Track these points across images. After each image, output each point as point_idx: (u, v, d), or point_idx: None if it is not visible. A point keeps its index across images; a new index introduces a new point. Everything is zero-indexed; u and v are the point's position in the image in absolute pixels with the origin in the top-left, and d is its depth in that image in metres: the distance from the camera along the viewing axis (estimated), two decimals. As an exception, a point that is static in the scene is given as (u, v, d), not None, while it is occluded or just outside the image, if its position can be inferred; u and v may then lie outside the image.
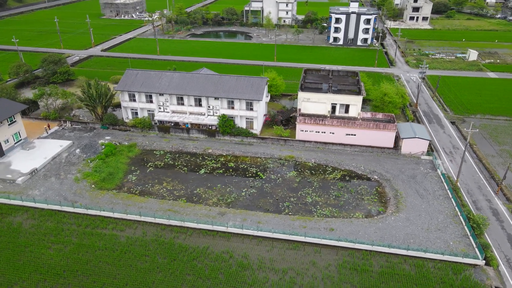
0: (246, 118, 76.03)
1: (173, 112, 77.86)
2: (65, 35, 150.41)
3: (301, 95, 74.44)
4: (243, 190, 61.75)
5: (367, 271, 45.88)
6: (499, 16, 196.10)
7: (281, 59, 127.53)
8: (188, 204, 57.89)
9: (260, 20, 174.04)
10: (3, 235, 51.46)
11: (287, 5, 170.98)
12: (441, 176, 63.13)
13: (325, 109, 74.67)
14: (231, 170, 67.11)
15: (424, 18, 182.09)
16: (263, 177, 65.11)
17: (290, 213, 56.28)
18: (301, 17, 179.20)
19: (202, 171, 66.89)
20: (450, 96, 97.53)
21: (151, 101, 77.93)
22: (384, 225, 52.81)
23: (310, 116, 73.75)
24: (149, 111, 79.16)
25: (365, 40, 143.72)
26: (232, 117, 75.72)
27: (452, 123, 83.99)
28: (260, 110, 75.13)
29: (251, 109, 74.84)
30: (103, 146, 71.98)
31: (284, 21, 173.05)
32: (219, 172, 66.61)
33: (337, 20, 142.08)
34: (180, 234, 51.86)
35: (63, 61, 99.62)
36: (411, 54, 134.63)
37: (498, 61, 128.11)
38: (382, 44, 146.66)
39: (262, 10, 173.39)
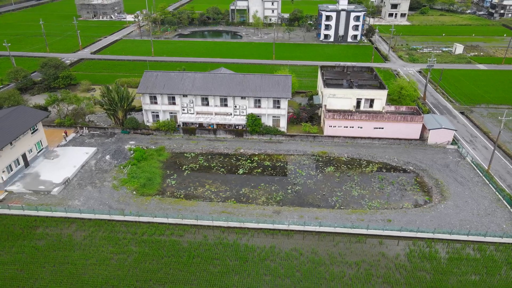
0: (273, 117, 76.10)
1: (198, 113, 76.53)
2: (42, 38, 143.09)
3: (327, 91, 75.48)
4: (288, 188, 61.94)
5: (436, 258, 47.56)
6: (469, 11, 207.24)
7: (278, 57, 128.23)
8: (240, 205, 57.31)
9: (247, 19, 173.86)
10: (56, 249, 48.72)
11: (272, 3, 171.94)
12: (472, 164, 66.32)
13: (350, 104, 76.16)
14: (269, 168, 67.04)
15: (402, 15, 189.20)
16: (303, 174, 65.57)
17: (342, 207, 57.16)
18: (286, 15, 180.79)
19: (241, 171, 66.33)
20: (451, 88, 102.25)
21: (174, 103, 76.16)
22: (436, 213, 54.86)
23: (336, 111, 74.94)
24: (171, 113, 77.31)
25: (355, 36, 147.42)
26: (259, 116, 75.50)
27: (462, 113, 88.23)
28: (286, 108, 75.42)
29: (278, 107, 75.00)
30: (131, 152, 69.61)
31: (270, 19, 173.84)
32: (257, 171, 66.34)
33: (328, 18, 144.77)
34: (242, 235, 51.29)
35: (64, 65, 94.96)
36: (400, 49, 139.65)
37: (481, 53, 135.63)
38: (370, 40, 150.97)
39: (248, 9, 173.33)
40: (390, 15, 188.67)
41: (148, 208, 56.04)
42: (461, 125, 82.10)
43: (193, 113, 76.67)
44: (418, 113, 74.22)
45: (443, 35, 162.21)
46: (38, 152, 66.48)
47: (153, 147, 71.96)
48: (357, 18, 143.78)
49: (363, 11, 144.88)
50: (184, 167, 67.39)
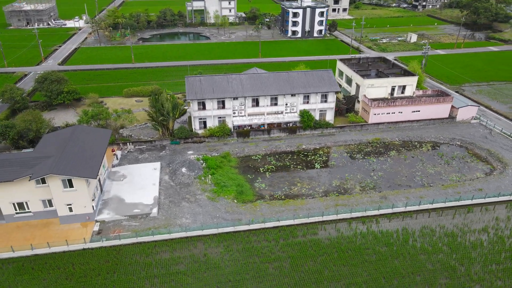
0: (320, 111, 78.26)
1: (250, 114, 75.20)
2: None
3: (366, 82, 79.99)
4: (371, 174, 65.10)
5: (537, 213, 55.19)
6: (394, 5, 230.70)
7: (255, 55, 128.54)
8: (346, 196, 58.82)
9: (206, 19, 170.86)
10: (204, 270, 45.20)
11: (229, 3, 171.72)
12: (503, 133, 76.69)
13: (385, 92, 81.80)
14: (342, 159, 69.34)
15: (344, 10, 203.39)
16: (374, 160, 69.27)
17: (431, 185, 62.18)
18: (241, 13, 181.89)
19: (317, 166, 67.49)
20: (433, 72, 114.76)
21: (224, 107, 73.73)
22: (510, 178, 62.91)
23: (377, 100, 79.97)
24: (220, 117, 74.67)
25: (320, 31, 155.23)
26: (309, 112, 76.96)
27: (456, 92, 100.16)
28: (334, 101, 78.10)
29: (325, 101, 77.40)
30: (201, 161, 66.02)
31: (229, 18, 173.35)
32: (332, 164, 68.22)
33: (295, 15, 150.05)
34: (371, 223, 53.13)
35: (66, 79, 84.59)
36: (363, 40, 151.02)
37: (430, 40, 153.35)
38: (332, 34, 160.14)
39: (205, 9, 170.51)
40: (334, 10, 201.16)
41: (265, 214, 54.54)
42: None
43: (244, 115, 75.14)
44: (445, 94, 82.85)
45: (388, 26, 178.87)
46: (104, 175, 59.54)
47: (216, 154, 69.13)
48: (321, 14, 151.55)
49: (326, 7, 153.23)
50: (261, 169, 66.25)
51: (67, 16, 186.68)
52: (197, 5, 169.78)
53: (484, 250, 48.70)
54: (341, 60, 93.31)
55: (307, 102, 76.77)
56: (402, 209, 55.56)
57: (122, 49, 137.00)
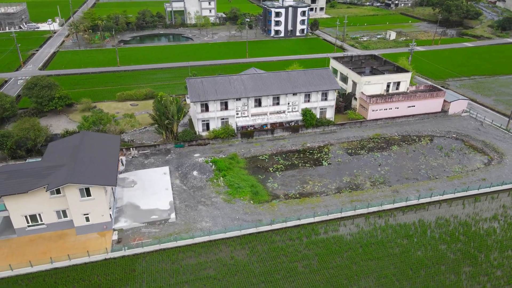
0: (321, 109, 79.14)
1: (253, 115, 75.02)
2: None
3: (363, 79, 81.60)
4: (378, 169, 66.54)
5: (540, 199, 58.23)
6: (368, 3, 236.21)
7: (242, 55, 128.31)
8: (359, 192, 59.84)
9: (186, 20, 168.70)
10: (225, 275, 44.81)
11: (209, 3, 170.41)
12: (493, 125, 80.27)
13: (381, 89, 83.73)
14: (347, 155, 70.44)
15: (321, 9, 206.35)
16: (378, 155, 70.79)
17: (437, 177, 64.25)
18: (221, 14, 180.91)
19: (325, 163, 68.29)
20: (417, 68, 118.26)
21: (226, 108, 73.20)
22: (509, 167, 65.94)
23: (375, 96, 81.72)
24: (223, 119, 74.07)
25: (303, 30, 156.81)
26: (310, 110, 77.64)
27: (442, 87, 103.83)
28: (334, 99, 79.13)
29: (325, 99, 78.35)
30: (210, 164, 65.27)
31: (210, 19, 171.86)
32: (339, 160, 69.17)
33: (277, 14, 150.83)
34: (388, 217, 54.35)
35: (56, 84, 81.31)
36: (345, 39, 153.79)
37: (408, 37, 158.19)
38: (314, 33, 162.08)
39: (185, 10, 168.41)
40: (311, 9, 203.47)
41: (283, 213, 54.64)
42: (454, 96, 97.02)
43: (247, 116, 74.89)
44: (437, 89, 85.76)
45: (365, 24, 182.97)
46: (114, 182, 57.72)
47: (223, 156, 68.57)
48: (303, 13, 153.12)
49: (307, 6, 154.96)
50: (270, 169, 66.30)
51: (38, 19, 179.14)
52: (177, 5, 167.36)
53: (498, 237, 50.90)
54: (334, 58, 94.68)
55: (308, 101, 77.44)
56: (415, 201, 57.16)
57: (104, 52, 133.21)
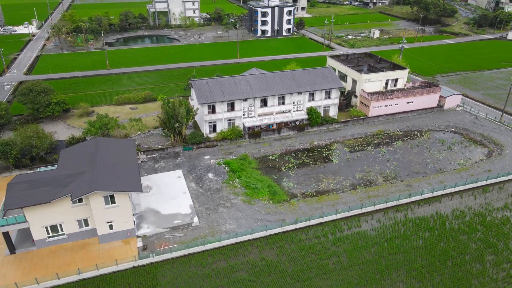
0: (324, 107, 79.95)
1: (259, 115, 74.90)
2: None
3: (364, 76, 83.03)
4: (388, 164, 67.91)
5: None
6: (346, 3, 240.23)
7: (232, 56, 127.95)
8: (374, 188, 60.85)
9: (171, 21, 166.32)
10: (263, 275, 44.69)
11: (193, 3, 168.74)
12: (488, 118, 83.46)
13: (380, 86, 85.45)
14: (355, 152, 71.48)
15: (303, 8, 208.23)
16: (385, 151, 72.24)
17: (445, 170, 66.20)
18: (205, 14, 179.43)
19: (335, 160, 69.05)
20: (404, 65, 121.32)
21: (233, 109, 72.77)
22: (510, 158, 68.73)
23: (376, 93, 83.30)
24: (229, 120, 73.61)
25: (289, 30, 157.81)
26: (315, 109, 78.29)
27: (432, 82, 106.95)
28: (338, 97, 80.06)
29: (329, 97, 79.21)
30: (222, 166, 64.71)
31: (195, 19, 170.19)
32: (348, 157, 70.13)
33: (264, 14, 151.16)
34: (407, 211, 55.54)
35: (52, 90, 78.43)
36: (331, 38, 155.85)
37: (391, 35, 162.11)
38: (299, 33, 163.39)
39: (169, 11, 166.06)
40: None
41: (305, 212, 54.88)
42: (445, 91, 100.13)
43: (254, 116, 74.71)
44: (433, 85, 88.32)
45: (347, 23, 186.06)
46: (129, 187, 56.28)
47: (234, 157, 68.14)
48: (289, 13, 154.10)
49: (293, 5, 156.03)
50: (283, 168, 66.44)
51: (14, 22, 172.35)
52: (160, 6, 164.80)
53: (513, 225, 53.12)
54: (331, 56, 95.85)
55: (312, 100, 78.08)
56: (429, 194, 58.71)
57: (89, 54, 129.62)
